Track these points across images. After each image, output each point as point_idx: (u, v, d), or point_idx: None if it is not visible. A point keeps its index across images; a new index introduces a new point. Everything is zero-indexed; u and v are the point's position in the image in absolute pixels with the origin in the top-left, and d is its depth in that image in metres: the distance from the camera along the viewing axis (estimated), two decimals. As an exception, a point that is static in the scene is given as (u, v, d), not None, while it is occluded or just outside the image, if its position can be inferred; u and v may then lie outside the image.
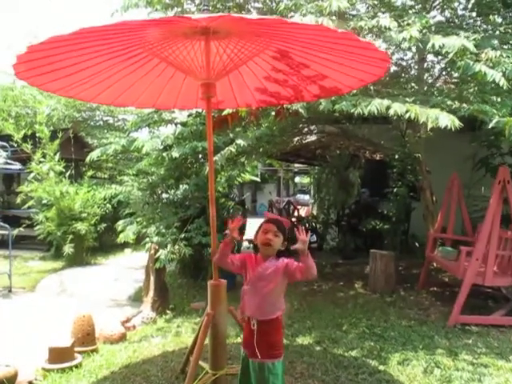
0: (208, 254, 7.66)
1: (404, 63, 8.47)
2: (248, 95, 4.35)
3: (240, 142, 4.94)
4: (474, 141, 8.55)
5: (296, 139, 11.46)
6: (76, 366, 4.01)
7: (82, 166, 12.27)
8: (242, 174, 8.41)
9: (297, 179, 28.32)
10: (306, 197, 20.90)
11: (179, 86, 4.17)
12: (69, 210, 8.92)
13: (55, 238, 9.28)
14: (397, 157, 8.06)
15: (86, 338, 4.37)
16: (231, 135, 5.48)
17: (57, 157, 9.08)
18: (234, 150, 4.97)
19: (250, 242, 8.47)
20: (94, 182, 11.14)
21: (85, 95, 3.86)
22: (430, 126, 3.98)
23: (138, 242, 7.14)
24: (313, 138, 11.51)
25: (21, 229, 8.87)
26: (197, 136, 6.17)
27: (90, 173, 9.94)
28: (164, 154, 5.87)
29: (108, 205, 10.62)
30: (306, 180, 27.23)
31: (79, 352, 4.26)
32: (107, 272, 8.66)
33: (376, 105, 4.11)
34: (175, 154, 5.79)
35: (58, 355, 3.97)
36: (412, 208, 9.40)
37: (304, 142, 10.85)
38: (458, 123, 3.89)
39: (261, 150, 6.13)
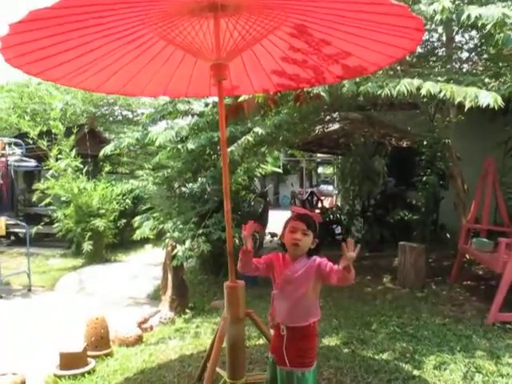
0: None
1: (430, 46, 8.01)
2: (265, 79, 4.02)
3: (258, 130, 4.61)
4: (508, 124, 8.06)
5: (318, 128, 11.09)
6: (89, 372, 3.79)
7: (101, 162, 12.16)
8: (263, 166, 8.11)
9: (320, 170, 27.87)
10: (330, 187, 20.44)
11: (190, 71, 3.88)
12: (87, 206, 8.77)
13: (75, 235, 9.16)
14: (425, 143, 7.60)
15: (100, 341, 4.15)
16: (249, 124, 5.15)
17: (73, 153, 8.91)
18: (251, 139, 4.65)
19: (272, 235, 8.15)
20: (113, 178, 10.99)
21: (88, 84, 3.60)
22: (467, 106, 3.57)
23: (159, 237, 6.93)
24: (335, 126, 11.11)
25: (39, 226, 8.77)
26: (213, 126, 5.86)
27: (107, 168, 9.77)
28: (179, 146, 5.59)
29: (127, 200, 10.48)
30: (329, 170, 26.77)
31: (92, 356, 4.04)
32: (127, 269, 8.49)
33: (405, 84, 3.73)
34: (191, 145, 5.51)
35: (70, 360, 3.76)
36: (441, 197, 8.95)
37: (326, 130, 10.47)
38: (500, 101, 3.48)
39: (281, 138, 5.79)
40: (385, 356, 4.02)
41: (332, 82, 3.97)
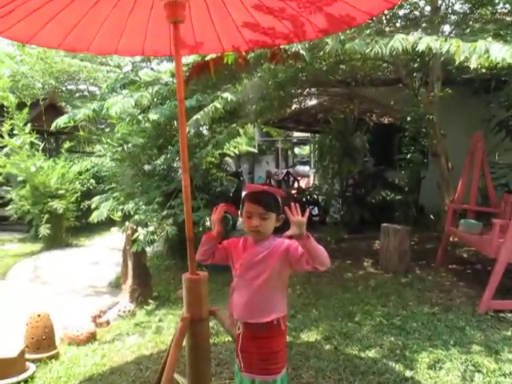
0: (199, 232, 6.86)
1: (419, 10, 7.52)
2: (235, 34, 3.41)
3: (227, 95, 4.01)
4: (492, 102, 7.67)
5: (295, 103, 10.52)
6: (26, 381, 3.19)
7: (63, 140, 11.32)
8: (237, 142, 7.52)
9: (296, 150, 27.36)
10: (306, 168, 19.98)
11: (144, 23, 3.23)
12: (44, 186, 8.01)
13: (33, 218, 8.42)
14: (409, 119, 7.11)
15: (42, 342, 3.54)
16: (219, 92, 4.54)
17: (27, 128, 8.09)
18: (219, 105, 4.05)
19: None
20: (76, 157, 10.21)
21: (15, 33, 2.91)
22: (475, 63, 3.03)
23: (126, 219, 6.31)
24: (313, 101, 10.57)
25: (-12, 209, 7.98)
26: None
27: (67, 145, 8.98)
28: (140, 117, 4.93)
29: (91, 180, 9.75)
30: (305, 151, 26.32)
31: (33, 360, 3.45)
32: (88, 254, 7.83)
33: (400, 40, 3.17)
34: (153, 116, 4.87)
35: (2, 368, 3.15)
36: (422, 177, 8.53)
37: (304, 106, 9.92)
38: (513, 58, 2.96)
39: (254, 107, 5.18)
40: (372, 353, 3.54)
41: (314, 37, 3.38)
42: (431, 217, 7.80)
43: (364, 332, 3.97)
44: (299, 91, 8.36)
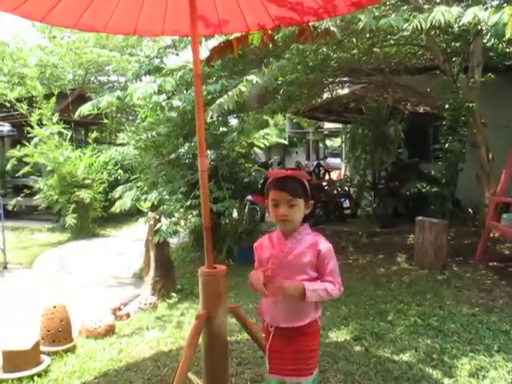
0: (226, 223, 6.67)
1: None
2: (260, 11, 3.16)
3: (253, 78, 3.76)
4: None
5: (325, 96, 10.18)
6: (39, 375, 3.06)
7: (93, 131, 11.32)
8: (267, 132, 7.27)
9: (327, 143, 26.86)
10: (338, 160, 19.51)
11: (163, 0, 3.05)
12: (71, 176, 7.98)
13: (62, 207, 8.41)
14: (447, 107, 6.70)
15: (58, 334, 3.41)
16: (246, 77, 4.26)
17: (55, 118, 8.05)
18: (245, 89, 3.81)
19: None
20: (104, 147, 10.16)
21: (26, 10, 2.74)
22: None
23: (154, 210, 6.19)
24: (345, 91, 10.21)
25: (19, 198, 8.01)
26: (206, 80, 5.01)
27: (93, 135, 8.93)
28: (163, 103, 4.74)
29: (119, 170, 9.70)
30: (336, 143, 25.80)
31: (48, 353, 3.32)
32: (114, 245, 7.78)
33: (442, 12, 2.84)
34: (177, 102, 4.68)
35: (15, 360, 3.03)
36: (459, 169, 8.07)
37: (335, 96, 9.59)
38: None
39: (282, 91, 4.90)
40: (406, 357, 3.25)
41: (345, 11, 3.10)
42: (470, 211, 7.36)
43: (397, 333, 3.69)
44: (330, 79, 8.05)
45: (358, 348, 3.41)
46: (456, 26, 7.25)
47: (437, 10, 2.92)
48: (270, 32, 3.16)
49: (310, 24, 3.29)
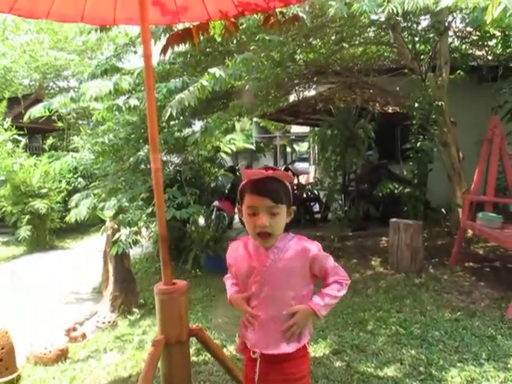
0: (191, 230, 6.30)
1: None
2: (224, -2, 2.88)
3: (215, 71, 3.44)
4: (503, 88, 7.16)
5: (292, 99, 9.96)
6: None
7: (51, 137, 10.73)
8: (234, 137, 6.98)
9: (295, 147, 26.78)
10: (306, 165, 19.41)
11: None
12: (25, 185, 7.44)
13: (18, 219, 7.85)
14: (417, 105, 6.56)
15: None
16: (209, 70, 3.93)
17: (6, 123, 7.51)
18: (207, 83, 3.48)
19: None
20: (64, 155, 9.63)
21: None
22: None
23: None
24: (312, 93, 10.01)
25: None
26: (166, 78, 4.67)
27: (50, 141, 8.40)
28: (120, 103, 4.36)
29: (79, 179, 9.19)
30: (304, 148, 25.74)
31: (-14, 387, 2.89)
32: (73, 257, 7.28)
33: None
34: (134, 101, 4.31)
35: None
36: (429, 169, 7.97)
37: (303, 98, 9.37)
38: None
39: (247, 87, 4.60)
40: (391, 371, 2.98)
41: (316, -5, 2.83)
42: (443, 211, 7.24)
43: (379, 344, 3.42)
44: (297, 81, 7.83)
45: (338, 363, 3.12)
46: (425, 19, 7.23)
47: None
48: (232, 19, 2.86)
49: (277, 10, 3.02)
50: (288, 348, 1.60)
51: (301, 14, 2.94)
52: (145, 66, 1.84)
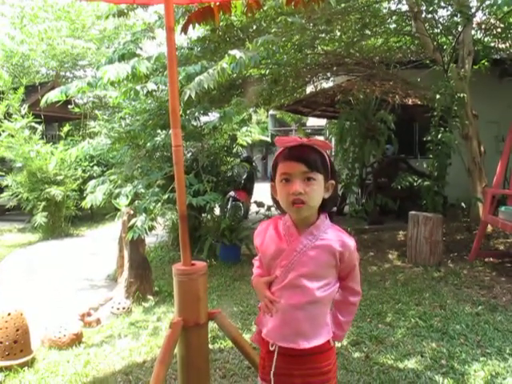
0: (207, 219, 6.24)
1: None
2: (244, -27, 2.79)
3: (236, 52, 3.37)
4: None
5: (309, 90, 9.84)
6: (-14, 395, 2.61)
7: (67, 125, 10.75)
8: (250, 129, 6.90)
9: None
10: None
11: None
12: (41, 172, 7.45)
13: (34, 206, 7.87)
14: (438, 97, 6.39)
15: (13, 346, 2.95)
16: (229, 52, 3.84)
17: (23, 110, 7.51)
18: (227, 65, 3.41)
19: (258, 205, 6.92)
20: (79, 141, 9.65)
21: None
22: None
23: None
24: (330, 84, 9.89)
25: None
26: (188, 61, 4.60)
27: (66, 128, 8.40)
28: (138, 87, 4.30)
29: (95, 167, 9.20)
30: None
31: (1, 368, 2.86)
32: (88, 245, 7.28)
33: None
34: (151, 85, 4.25)
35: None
36: (448, 163, 7.79)
37: (320, 89, 9.26)
38: None
39: (267, 72, 4.50)
40: (411, 363, 2.89)
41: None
42: (462, 205, 7.08)
43: (398, 336, 3.33)
44: (317, 69, 7.71)
45: (357, 354, 3.04)
46: (447, 9, 7.04)
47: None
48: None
49: (302, -12, 2.92)
50: (306, 344, 1.46)
51: (325, -6, 2.86)
52: (166, 38, 1.77)
